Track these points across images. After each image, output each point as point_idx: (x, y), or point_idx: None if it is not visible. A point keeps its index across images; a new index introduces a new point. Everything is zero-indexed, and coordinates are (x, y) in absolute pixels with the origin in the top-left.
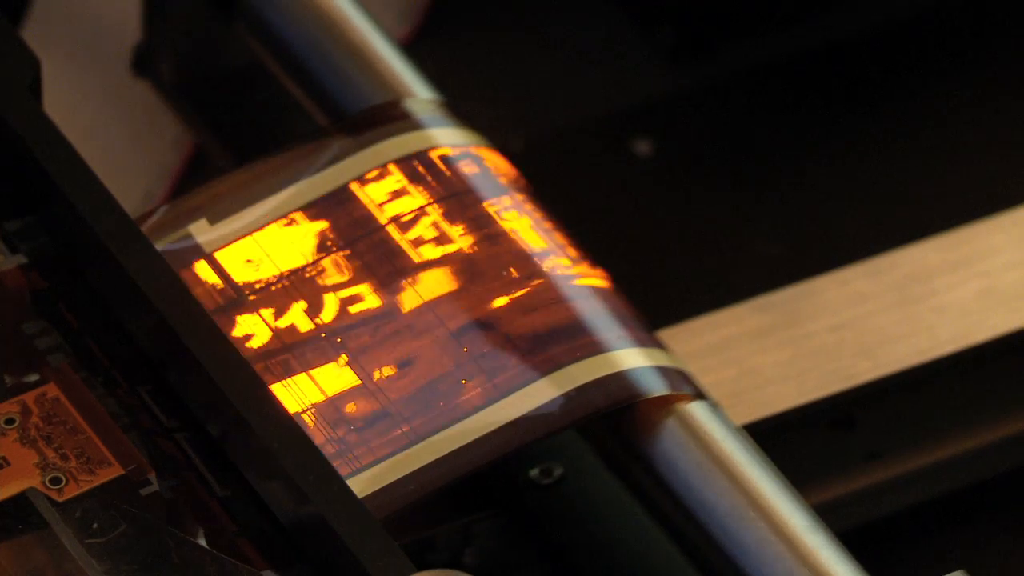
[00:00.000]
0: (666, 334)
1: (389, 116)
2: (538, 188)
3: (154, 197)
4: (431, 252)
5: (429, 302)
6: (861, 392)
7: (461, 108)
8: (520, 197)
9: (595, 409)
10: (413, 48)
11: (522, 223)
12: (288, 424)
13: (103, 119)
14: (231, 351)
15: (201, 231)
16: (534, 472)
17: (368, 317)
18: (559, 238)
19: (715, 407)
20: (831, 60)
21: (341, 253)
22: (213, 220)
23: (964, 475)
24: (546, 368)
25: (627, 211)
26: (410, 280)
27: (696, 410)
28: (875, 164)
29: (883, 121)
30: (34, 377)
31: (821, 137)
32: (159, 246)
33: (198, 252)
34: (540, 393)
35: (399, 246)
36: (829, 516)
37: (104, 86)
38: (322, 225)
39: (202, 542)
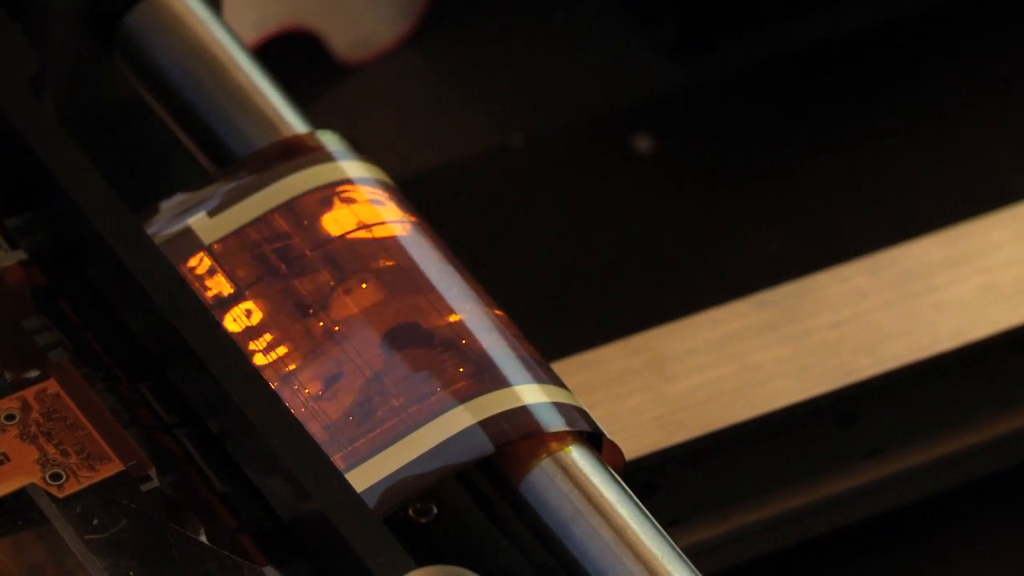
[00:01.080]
0: (667, 330)
1: (300, 148)
2: (537, 184)
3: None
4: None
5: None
6: (862, 388)
7: (444, 109)
8: (423, 232)
9: (506, 441)
10: (412, 45)
11: (425, 256)
12: (288, 420)
13: None
14: (231, 347)
15: (200, 224)
16: (411, 511)
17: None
18: (459, 273)
19: (590, 450)
20: (832, 56)
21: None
22: (212, 212)
23: (965, 471)
24: (457, 399)
25: (628, 207)
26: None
27: (573, 452)
28: (876, 160)
29: (884, 117)
30: (34, 373)
31: (822, 133)
32: (157, 239)
33: (197, 244)
34: (448, 426)
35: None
36: (830, 512)
37: None
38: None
39: (202, 538)
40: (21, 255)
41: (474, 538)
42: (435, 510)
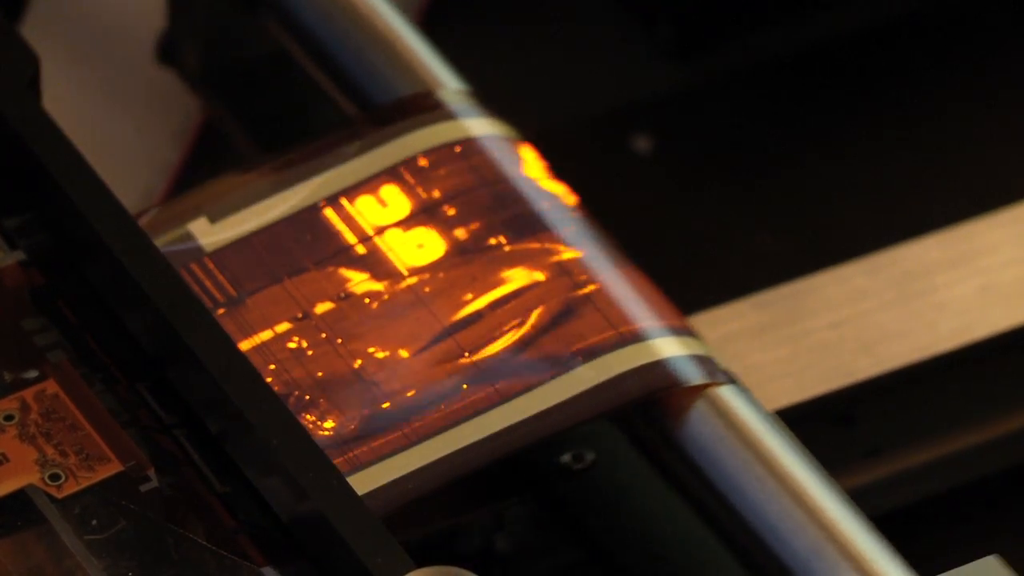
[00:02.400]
0: None
1: (420, 106)
2: None
3: (153, 193)
4: (446, 246)
5: (430, 304)
6: (861, 389)
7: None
8: (551, 187)
9: (630, 399)
10: None
11: (554, 213)
12: (287, 420)
13: (102, 115)
14: (230, 347)
15: (201, 229)
16: (566, 458)
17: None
18: (591, 226)
19: (745, 391)
20: (831, 56)
21: (359, 245)
22: (214, 218)
23: (964, 472)
24: (584, 357)
25: (627, 207)
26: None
27: (727, 395)
28: (875, 160)
29: (883, 117)
30: (33, 373)
31: (821, 133)
32: (158, 244)
33: (198, 251)
34: (575, 383)
35: (421, 240)
36: None
37: (103, 82)
38: (340, 215)
39: (201, 539)
40: (20, 255)
41: (631, 483)
42: (591, 457)
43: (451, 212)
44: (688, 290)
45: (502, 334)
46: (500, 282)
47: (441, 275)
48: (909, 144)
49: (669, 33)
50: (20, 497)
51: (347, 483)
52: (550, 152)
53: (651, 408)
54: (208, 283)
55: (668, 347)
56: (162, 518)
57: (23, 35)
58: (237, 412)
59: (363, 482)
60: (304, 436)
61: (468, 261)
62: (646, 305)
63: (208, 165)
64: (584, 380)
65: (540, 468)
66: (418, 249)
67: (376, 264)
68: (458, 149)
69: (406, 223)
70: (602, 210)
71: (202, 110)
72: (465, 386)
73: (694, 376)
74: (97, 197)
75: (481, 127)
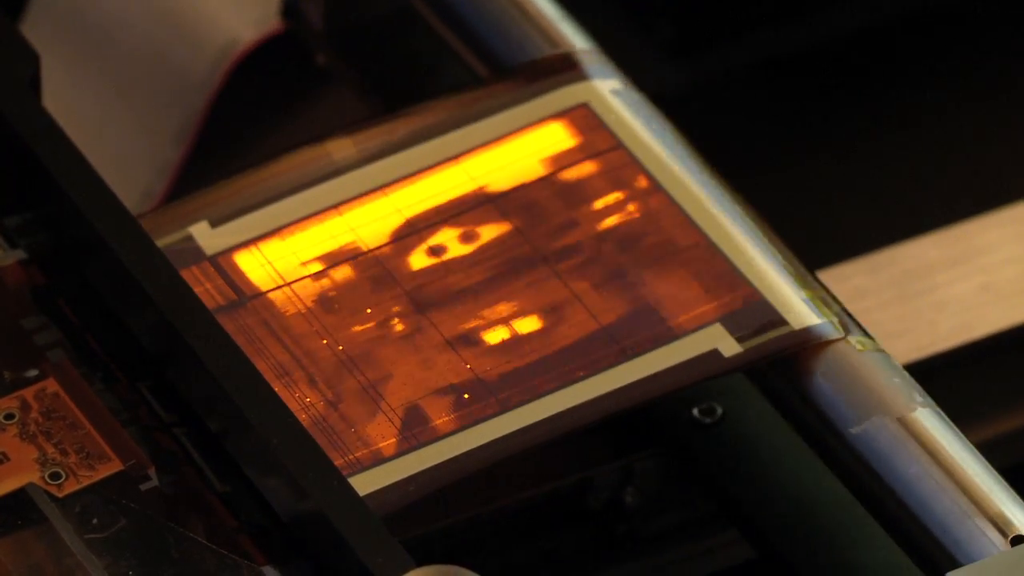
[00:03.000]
0: None
1: (557, 67)
2: None
3: (154, 193)
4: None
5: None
6: None
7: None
8: (685, 150)
9: (766, 356)
10: None
11: (687, 169)
12: (287, 420)
13: (103, 115)
14: (230, 346)
15: (202, 233)
16: (695, 411)
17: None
18: (721, 182)
19: (876, 344)
20: (829, 56)
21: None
22: (215, 223)
23: None
24: (715, 316)
25: None
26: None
27: (857, 347)
28: (874, 160)
29: (882, 117)
30: (34, 372)
31: (821, 132)
32: (158, 244)
33: (198, 255)
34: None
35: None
36: None
37: (104, 81)
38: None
39: (202, 538)
40: (20, 254)
41: (760, 436)
42: (720, 410)
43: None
44: None
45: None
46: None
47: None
48: (909, 143)
49: (669, 32)
50: (20, 496)
51: (347, 482)
52: None
53: (781, 362)
54: (208, 285)
55: (801, 306)
56: (162, 517)
57: (23, 34)
58: (237, 411)
59: (364, 483)
60: (304, 435)
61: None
62: (776, 265)
63: (209, 165)
64: (709, 344)
65: (669, 422)
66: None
67: (381, 273)
68: (603, 107)
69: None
70: None
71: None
72: (467, 395)
73: (827, 332)
74: (98, 196)
75: (614, 86)
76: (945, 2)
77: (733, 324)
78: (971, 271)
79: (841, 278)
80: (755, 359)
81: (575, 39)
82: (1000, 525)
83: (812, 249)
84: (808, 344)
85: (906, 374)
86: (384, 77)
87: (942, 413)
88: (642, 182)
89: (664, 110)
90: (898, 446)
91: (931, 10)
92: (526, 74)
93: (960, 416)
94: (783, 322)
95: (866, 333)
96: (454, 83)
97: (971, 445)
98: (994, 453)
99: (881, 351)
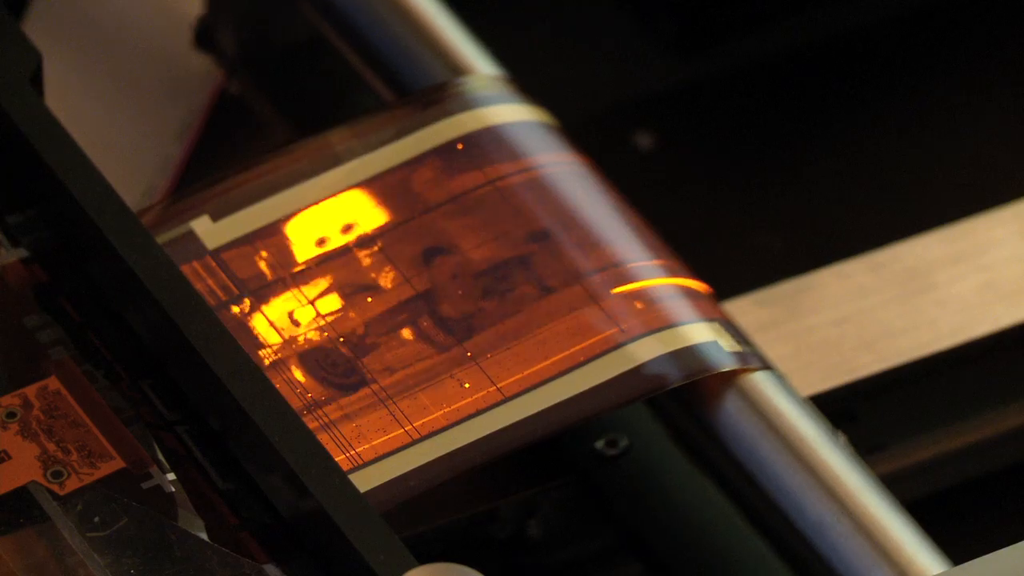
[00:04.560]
0: None
1: (449, 94)
2: None
3: (156, 191)
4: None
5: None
6: (863, 386)
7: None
8: (584, 170)
9: (664, 385)
10: None
11: (589, 197)
12: (289, 417)
13: (104, 113)
14: (232, 344)
15: (203, 228)
16: (600, 443)
17: (374, 320)
18: (622, 210)
19: (780, 378)
20: (833, 53)
21: (373, 245)
22: (216, 217)
23: (966, 469)
24: (619, 340)
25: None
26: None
27: (761, 381)
28: (877, 157)
29: (885, 114)
30: (36, 371)
31: (823, 130)
32: (160, 240)
33: (200, 249)
34: (607, 367)
35: (446, 229)
36: None
37: (106, 79)
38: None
39: (203, 535)
40: (22, 252)
41: (664, 468)
42: (625, 443)
43: (465, 205)
44: None
45: (520, 324)
46: (516, 272)
47: (447, 270)
48: (911, 141)
49: (671, 29)
50: (22, 494)
51: (348, 479)
52: None
53: (684, 394)
54: (210, 281)
55: (701, 333)
56: (164, 515)
57: (26, 32)
58: (239, 409)
59: (365, 479)
60: (306, 433)
61: (482, 253)
62: (681, 293)
63: (210, 163)
64: (616, 367)
65: (574, 454)
66: (418, 248)
67: (377, 264)
68: (493, 134)
69: (403, 224)
70: None
71: (237, 93)
72: (467, 384)
73: (727, 361)
74: (99, 194)
75: (512, 113)
76: (946, 2)
77: (634, 351)
78: (973, 269)
79: (843, 276)
80: (656, 385)
81: (480, 64)
82: (903, 567)
83: (814, 247)
84: (708, 372)
85: (807, 403)
86: (296, 103)
87: (843, 442)
88: (533, 210)
89: (666, 107)
90: (799, 480)
91: (932, 8)
92: (423, 100)
93: (962, 414)
94: (683, 352)
95: (765, 363)
96: (363, 109)
97: (876, 478)
98: (995, 451)
99: (780, 378)
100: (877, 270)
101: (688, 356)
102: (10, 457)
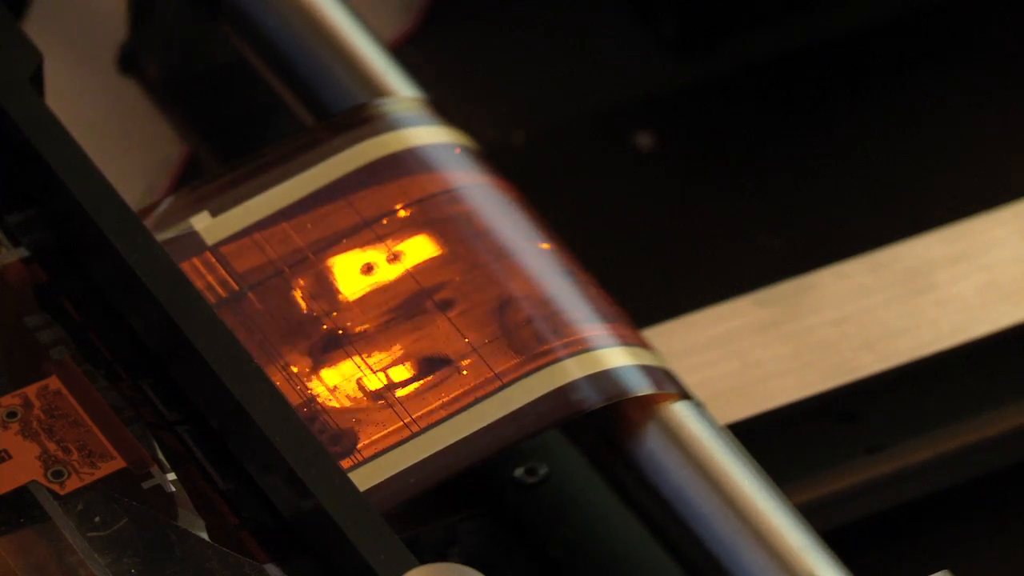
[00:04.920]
0: (668, 327)
1: (370, 116)
2: (539, 181)
3: (155, 191)
4: (413, 248)
5: (429, 294)
6: (863, 386)
7: (445, 106)
8: (501, 192)
9: (585, 407)
10: (414, 42)
11: (505, 219)
12: (289, 417)
13: (105, 113)
14: (232, 344)
15: (203, 224)
16: (519, 472)
17: (373, 313)
18: (542, 232)
19: (699, 406)
20: (832, 54)
21: (339, 247)
22: (215, 213)
23: (966, 469)
24: (542, 362)
25: (628, 204)
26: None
27: (680, 410)
28: (877, 157)
29: (885, 114)
30: (36, 370)
31: (823, 131)
32: (160, 237)
33: (200, 245)
34: (537, 387)
35: (380, 245)
36: (830, 509)
37: (106, 80)
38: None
39: (204, 535)
40: (23, 252)
41: (583, 496)
42: (544, 470)
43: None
44: (690, 287)
45: (451, 342)
46: (449, 288)
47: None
48: (911, 141)
49: (672, 30)
50: (23, 494)
51: (349, 479)
52: (552, 148)
53: (603, 422)
54: (210, 277)
55: (617, 357)
56: (165, 515)
57: (26, 32)
58: (239, 408)
59: (365, 477)
60: (306, 432)
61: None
62: (597, 315)
63: (211, 162)
64: (532, 391)
65: (493, 482)
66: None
67: (372, 259)
68: (401, 159)
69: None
70: (604, 206)
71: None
72: (465, 372)
73: (642, 387)
74: (100, 194)
75: (429, 136)
76: (946, 2)
77: (552, 374)
78: (973, 269)
79: (843, 276)
80: (571, 410)
81: (402, 87)
82: None
83: (814, 246)
84: (623, 396)
85: (726, 432)
86: (221, 128)
87: (763, 473)
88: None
89: (667, 108)
90: (715, 508)
91: (933, 8)
92: (343, 124)
93: (962, 414)
94: (602, 376)
95: (684, 392)
96: (285, 133)
97: (792, 506)
98: (996, 451)
99: (699, 407)
100: (877, 270)
101: (606, 380)
102: (11, 457)
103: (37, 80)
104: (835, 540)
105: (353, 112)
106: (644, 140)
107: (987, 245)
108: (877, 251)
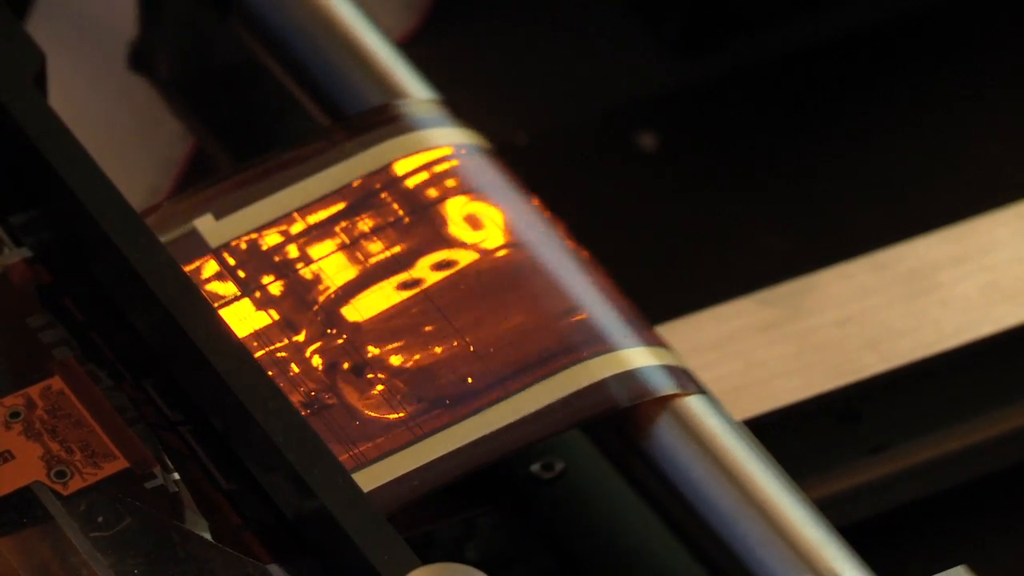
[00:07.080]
0: (671, 327)
1: (388, 118)
2: (542, 182)
3: (159, 191)
4: (433, 253)
5: (435, 300)
6: (866, 385)
7: (459, 107)
8: (518, 194)
9: (602, 410)
10: (418, 42)
11: (521, 222)
12: (292, 417)
13: (108, 113)
14: (235, 344)
15: (206, 226)
16: (535, 467)
17: (376, 318)
18: (563, 234)
19: (714, 401)
20: (835, 54)
21: (345, 251)
22: (219, 215)
23: (969, 469)
24: (556, 367)
25: (632, 205)
26: (413, 277)
27: (696, 405)
28: (880, 158)
29: (888, 115)
30: (39, 371)
31: (826, 131)
32: (163, 239)
33: (203, 247)
34: (550, 392)
35: (398, 249)
36: (834, 509)
37: (109, 80)
38: (322, 221)
39: (207, 536)
40: (26, 252)
41: (600, 492)
42: (561, 466)
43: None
44: (693, 287)
45: (461, 347)
46: (466, 291)
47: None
48: (913, 141)
49: (675, 30)
50: (26, 494)
51: (352, 480)
52: (555, 148)
53: (620, 418)
54: (213, 278)
55: (638, 358)
56: (168, 515)
57: (29, 32)
58: (242, 409)
59: (369, 479)
60: (309, 433)
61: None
62: (617, 316)
63: (212, 164)
64: (554, 392)
65: (510, 477)
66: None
67: (377, 265)
68: (426, 160)
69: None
70: (607, 206)
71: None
72: (470, 380)
73: (664, 386)
74: (103, 194)
75: (448, 136)
76: (947, 2)
77: (573, 375)
78: (976, 269)
79: (846, 276)
80: (593, 411)
81: (417, 89)
82: None
83: (817, 247)
84: (644, 397)
85: (742, 427)
86: (230, 126)
87: (779, 467)
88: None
89: (670, 108)
90: (733, 503)
91: (934, 9)
92: (359, 125)
93: (965, 414)
94: (619, 376)
95: (700, 387)
96: (298, 133)
97: (809, 500)
98: (999, 451)
99: (715, 402)
100: (880, 270)
101: (623, 382)
102: (14, 457)
103: (40, 80)
104: None
105: (371, 114)
106: (647, 140)
107: (990, 245)
108: (880, 251)
